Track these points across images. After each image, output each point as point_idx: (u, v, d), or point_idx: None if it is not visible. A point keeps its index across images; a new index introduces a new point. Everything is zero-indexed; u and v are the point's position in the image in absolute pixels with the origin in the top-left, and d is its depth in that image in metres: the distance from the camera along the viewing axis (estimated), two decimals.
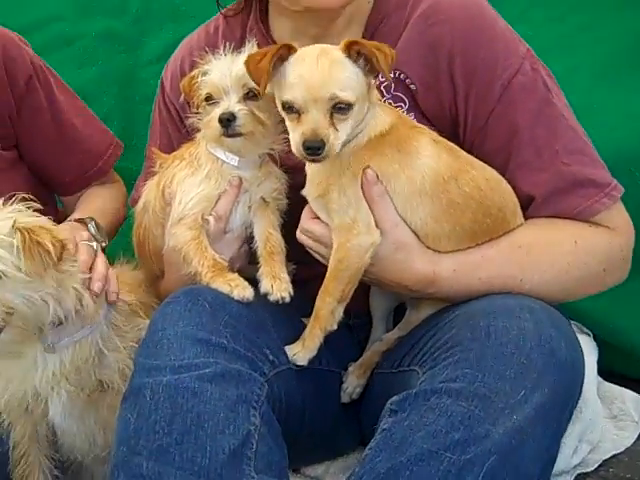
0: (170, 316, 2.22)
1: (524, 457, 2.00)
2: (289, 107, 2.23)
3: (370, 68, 2.25)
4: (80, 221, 2.74)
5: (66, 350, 2.39)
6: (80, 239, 2.49)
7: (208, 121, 2.46)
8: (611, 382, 3.11)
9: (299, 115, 2.21)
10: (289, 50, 2.26)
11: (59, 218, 2.95)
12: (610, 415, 2.99)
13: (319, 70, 2.21)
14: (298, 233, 2.41)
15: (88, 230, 2.69)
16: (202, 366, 2.12)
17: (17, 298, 2.21)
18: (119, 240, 3.06)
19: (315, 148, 2.17)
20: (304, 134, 2.19)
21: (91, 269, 2.44)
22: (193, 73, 2.51)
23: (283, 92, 2.25)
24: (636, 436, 2.93)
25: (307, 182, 2.38)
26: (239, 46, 2.65)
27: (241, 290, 2.33)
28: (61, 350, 2.38)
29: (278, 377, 2.30)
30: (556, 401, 2.08)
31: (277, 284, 2.37)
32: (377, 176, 2.29)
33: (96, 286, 2.39)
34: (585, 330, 3.12)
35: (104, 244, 2.71)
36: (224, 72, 2.43)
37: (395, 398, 2.11)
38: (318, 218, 2.38)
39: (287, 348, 2.36)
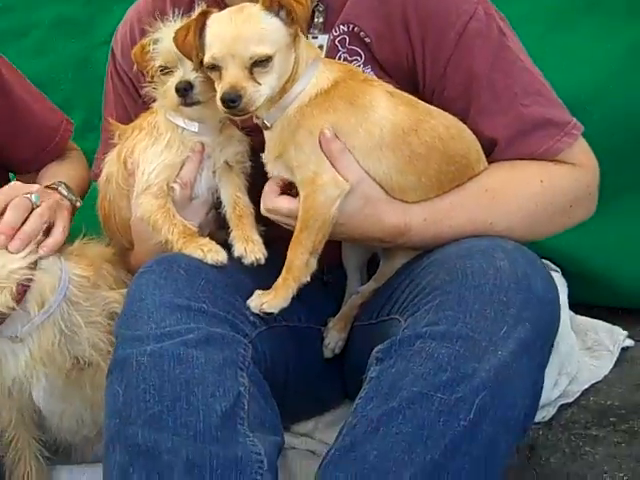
0: (146, 286, 2.11)
1: (512, 391, 1.93)
2: (211, 67, 2.15)
3: (292, 19, 2.15)
4: (49, 187, 2.58)
5: (30, 337, 2.27)
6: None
7: (164, 91, 2.34)
8: (581, 314, 3.08)
9: (220, 73, 2.13)
10: (206, 16, 2.18)
11: None
12: (585, 347, 2.97)
13: (233, 26, 2.12)
14: (263, 211, 2.28)
15: (59, 192, 2.56)
16: (184, 332, 2.02)
17: None
18: (83, 214, 2.92)
19: (231, 101, 2.08)
20: (222, 88, 2.10)
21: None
22: (144, 42, 2.37)
23: (206, 56, 2.16)
24: (612, 365, 2.90)
25: (265, 148, 2.28)
26: (188, 10, 2.51)
27: (214, 254, 2.22)
28: (26, 338, 2.26)
29: (260, 338, 2.20)
30: (537, 335, 2.00)
31: (250, 247, 2.26)
32: (334, 133, 2.18)
33: (44, 249, 2.28)
34: (553, 267, 3.06)
35: (79, 203, 2.60)
36: None
37: (380, 346, 2.03)
38: (282, 193, 2.26)
39: (256, 294, 2.22)
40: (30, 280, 2.21)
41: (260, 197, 2.33)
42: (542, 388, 2.08)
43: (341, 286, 2.59)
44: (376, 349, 2.03)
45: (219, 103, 2.11)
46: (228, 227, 2.37)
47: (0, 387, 2.31)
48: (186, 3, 2.56)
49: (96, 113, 3.59)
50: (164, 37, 2.31)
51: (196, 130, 2.36)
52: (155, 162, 2.35)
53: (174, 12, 2.48)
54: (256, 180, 2.40)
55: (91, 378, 2.38)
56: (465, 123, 2.31)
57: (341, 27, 2.41)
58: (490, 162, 2.34)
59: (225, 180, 2.41)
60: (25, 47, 3.61)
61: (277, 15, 2.14)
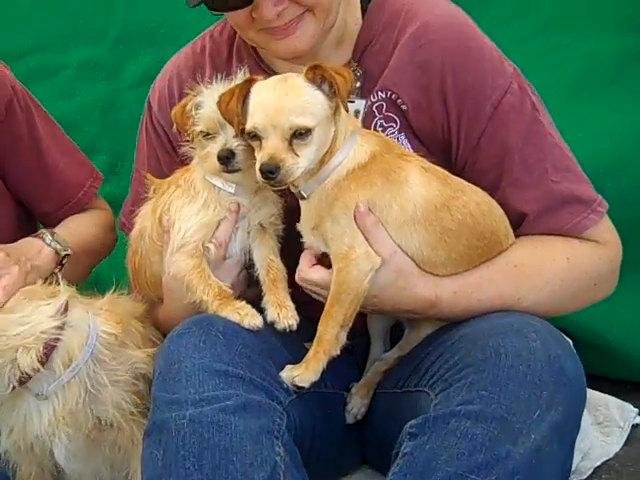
0: (185, 348, 2.12)
1: (544, 474, 1.95)
2: (253, 135, 2.17)
3: (334, 92, 2.17)
4: (37, 235, 2.60)
5: (56, 395, 2.25)
6: None
7: (205, 155, 2.35)
8: (590, 386, 3.07)
9: (261, 142, 2.15)
10: (251, 84, 2.21)
11: None
12: (596, 422, 2.96)
13: (276, 97, 2.15)
14: (298, 280, 2.30)
15: (42, 239, 2.57)
16: (223, 398, 2.03)
17: None
18: (112, 264, 2.93)
19: (269, 172, 2.10)
20: (262, 159, 2.12)
21: None
22: (185, 103, 2.39)
23: (247, 122, 2.18)
24: (622, 441, 2.89)
25: (301, 218, 2.30)
26: (226, 66, 2.59)
27: (251, 319, 2.23)
28: (51, 396, 2.24)
29: (292, 405, 2.20)
30: (568, 418, 2.03)
31: (283, 312, 2.27)
32: (369, 208, 2.20)
33: None
34: (566, 337, 3.06)
35: (66, 252, 2.59)
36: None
37: (413, 422, 2.03)
38: (315, 263, 2.29)
39: (287, 368, 2.23)
40: (57, 340, 2.20)
41: (291, 259, 2.36)
42: (570, 468, 2.11)
43: (364, 351, 2.59)
44: (409, 424, 2.03)
45: (258, 173, 2.13)
46: (258, 285, 2.38)
47: (22, 442, 2.30)
48: (224, 59, 2.61)
49: (119, 157, 3.66)
50: (206, 102, 2.33)
51: (233, 191, 2.38)
52: (192, 221, 2.36)
53: (213, 68, 2.56)
54: (288, 242, 2.42)
55: (113, 438, 2.36)
56: (495, 195, 2.34)
57: (379, 93, 2.44)
58: (517, 235, 2.37)
59: (259, 241, 2.42)
60: (53, 87, 3.61)
61: (319, 87, 2.17)
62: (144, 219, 2.52)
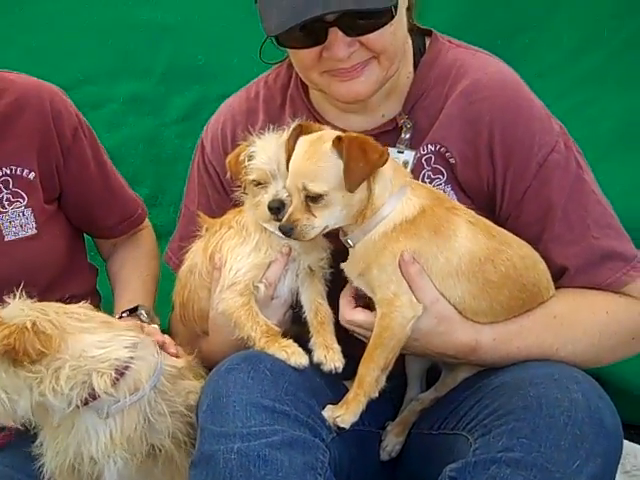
0: (233, 383, 2.19)
1: None
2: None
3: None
4: (132, 313, 2.75)
5: (114, 419, 2.31)
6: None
7: (257, 203, 2.44)
8: None
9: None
10: (300, 134, 2.35)
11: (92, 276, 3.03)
12: (623, 470, 2.99)
13: (299, 159, 2.29)
14: (342, 321, 2.39)
15: (141, 320, 2.71)
16: (269, 433, 2.10)
17: None
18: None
19: (284, 231, 2.28)
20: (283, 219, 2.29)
21: None
22: (238, 153, 2.48)
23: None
24: None
25: (348, 262, 2.38)
26: (279, 112, 2.68)
27: (297, 357, 2.31)
28: (111, 418, 2.31)
29: (333, 442, 2.27)
30: (606, 469, 2.08)
31: (330, 354, 2.35)
32: (413, 257, 2.29)
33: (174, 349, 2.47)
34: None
35: (157, 325, 2.72)
36: (270, 157, 2.40)
37: (454, 465, 2.09)
38: (357, 305, 2.39)
39: (328, 409, 2.31)
40: (127, 367, 2.28)
41: (337, 301, 2.43)
42: None
43: (400, 391, 2.66)
44: (449, 467, 2.10)
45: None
46: (302, 323, 2.46)
47: (71, 463, 2.35)
48: (278, 105, 2.70)
49: (160, 189, 3.76)
50: (258, 152, 2.42)
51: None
52: (244, 261, 2.45)
53: (266, 114, 2.66)
54: (335, 284, 2.50)
55: (162, 467, 2.42)
56: (536, 248, 2.42)
57: (429, 146, 2.53)
58: (558, 287, 2.44)
59: (307, 284, 2.50)
60: (99, 120, 3.68)
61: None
62: (195, 256, 2.61)
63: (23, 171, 2.78)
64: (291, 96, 2.70)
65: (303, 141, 2.32)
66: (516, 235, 2.41)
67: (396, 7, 2.36)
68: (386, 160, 2.27)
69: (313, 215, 2.26)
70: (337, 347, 2.38)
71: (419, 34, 2.64)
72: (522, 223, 2.47)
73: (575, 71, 3.48)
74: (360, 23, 2.35)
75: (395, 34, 2.42)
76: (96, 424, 2.30)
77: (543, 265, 2.41)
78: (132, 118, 3.80)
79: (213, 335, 2.56)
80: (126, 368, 2.28)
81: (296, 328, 2.52)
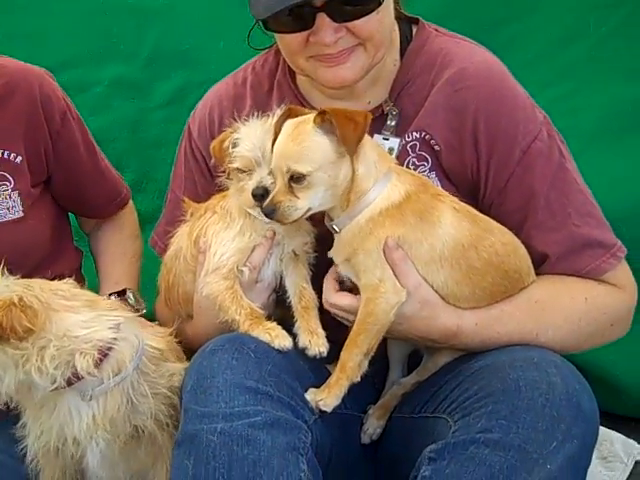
0: (218, 364, 2.23)
1: None
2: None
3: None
4: (120, 296, 2.81)
5: (98, 400, 2.34)
6: None
7: (240, 188, 2.47)
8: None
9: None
10: (288, 117, 2.38)
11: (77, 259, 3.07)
12: (600, 456, 3.05)
13: (283, 142, 2.32)
14: (326, 304, 2.43)
15: (127, 302, 2.78)
16: (252, 414, 2.14)
17: None
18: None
19: (266, 213, 2.31)
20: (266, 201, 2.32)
21: None
22: (222, 139, 2.52)
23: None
24: (625, 477, 2.99)
25: (334, 248, 2.42)
26: (266, 98, 2.72)
27: (281, 340, 2.34)
28: (95, 400, 2.33)
29: (315, 424, 2.31)
30: (583, 451, 2.13)
31: (314, 339, 2.39)
32: (397, 243, 2.33)
33: None
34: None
35: (144, 310, 2.79)
36: (254, 144, 2.43)
37: (433, 446, 2.14)
38: (340, 288, 2.42)
39: (311, 392, 2.35)
40: (110, 349, 2.31)
41: (317, 285, 2.47)
42: None
43: (382, 375, 2.70)
44: (429, 449, 2.14)
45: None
46: (286, 307, 2.51)
47: (54, 444, 2.38)
48: (265, 91, 2.73)
49: (145, 175, 3.78)
50: (243, 139, 2.45)
51: (268, 220, 2.46)
52: (228, 245, 2.48)
53: (253, 100, 2.69)
54: (319, 269, 2.53)
55: (145, 448, 2.46)
56: (518, 235, 2.47)
57: (414, 133, 2.57)
58: (538, 274, 2.49)
59: (291, 269, 2.53)
60: (84, 103, 3.69)
61: (329, 132, 2.29)
62: (180, 240, 2.64)
63: (10, 155, 2.80)
64: (278, 82, 2.73)
65: (288, 124, 2.35)
66: (499, 222, 2.46)
67: None
68: (369, 120, 2.30)
69: (296, 197, 2.29)
70: (321, 332, 2.41)
71: (406, 22, 2.68)
72: (505, 210, 2.51)
73: (560, 61, 3.50)
74: (347, 9, 2.39)
75: (382, 21, 2.46)
76: (79, 405, 2.32)
77: (524, 251, 2.46)
78: (117, 102, 3.83)
79: (198, 318, 2.59)
80: (109, 349, 2.30)
81: (280, 311, 2.56)
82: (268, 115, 2.50)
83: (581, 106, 3.44)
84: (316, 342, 2.38)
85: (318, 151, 2.29)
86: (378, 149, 2.42)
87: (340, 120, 2.26)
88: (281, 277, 2.55)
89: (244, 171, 2.44)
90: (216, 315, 2.45)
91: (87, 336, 2.27)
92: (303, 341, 2.39)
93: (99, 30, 3.81)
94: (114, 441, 2.37)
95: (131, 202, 3.25)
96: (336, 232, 2.38)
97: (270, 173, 2.40)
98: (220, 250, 2.48)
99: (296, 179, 2.28)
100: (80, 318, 2.28)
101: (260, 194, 2.38)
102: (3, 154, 2.79)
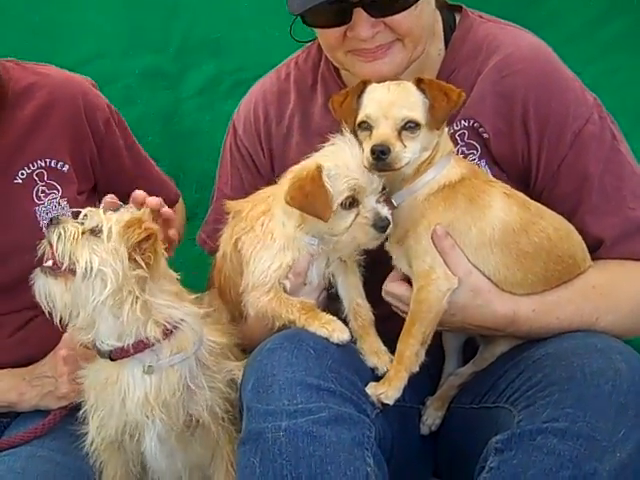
0: (278, 362, 2.32)
1: None
2: (364, 126, 2.43)
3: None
4: None
5: (152, 378, 2.48)
6: None
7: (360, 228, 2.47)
8: None
9: (371, 132, 2.41)
10: (365, 85, 2.47)
11: None
12: None
13: (390, 93, 2.43)
14: (383, 293, 2.53)
15: None
16: (316, 410, 2.23)
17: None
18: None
19: (381, 152, 2.35)
20: (373, 142, 2.37)
21: None
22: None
23: (359, 115, 2.45)
24: None
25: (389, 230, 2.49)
26: (310, 92, 2.82)
27: (339, 333, 2.42)
28: (151, 377, 2.48)
29: (377, 418, 2.39)
30: None
31: (381, 358, 2.49)
32: (446, 231, 2.42)
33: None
34: None
35: None
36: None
37: (499, 437, 2.22)
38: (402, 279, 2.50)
39: (371, 386, 2.43)
40: (176, 328, 2.48)
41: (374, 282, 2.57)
42: None
43: (438, 366, 2.79)
44: (495, 439, 2.22)
45: (367, 157, 2.36)
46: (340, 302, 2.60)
47: (115, 429, 2.52)
48: (309, 86, 2.83)
49: (179, 167, 3.85)
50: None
51: (315, 245, 2.55)
52: (267, 264, 2.53)
53: (298, 94, 2.81)
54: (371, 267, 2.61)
55: (200, 439, 2.58)
56: (572, 220, 2.54)
57: (462, 122, 2.65)
58: (594, 259, 2.56)
59: (343, 277, 2.60)
60: (114, 95, 3.75)
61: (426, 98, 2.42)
62: (225, 244, 2.71)
63: (57, 163, 2.93)
64: (322, 76, 2.83)
65: (380, 84, 2.47)
66: (551, 208, 2.54)
67: None
68: (462, 99, 2.43)
69: (404, 144, 2.38)
70: (384, 349, 2.51)
71: (449, 10, 2.76)
72: (558, 195, 2.59)
73: (603, 36, 3.58)
74: (384, 4, 2.48)
75: (420, 16, 2.54)
76: (136, 379, 2.47)
77: (578, 236, 2.53)
78: (148, 93, 3.90)
79: (252, 326, 2.65)
80: (175, 328, 2.47)
81: (333, 304, 2.63)
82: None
83: (627, 81, 3.50)
84: (383, 361, 2.48)
85: (422, 107, 2.42)
86: (445, 129, 2.51)
87: (434, 92, 2.40)
88: (331, 276, 2.61)
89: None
90: (270, 324, 2.53)
91: (163, 309, 2.45)
92: (371, 362, 2.49)
93: (128, 21, 3.87)
94: (171, 428, 2.50)
95: (179, 205, 3.32)
96: (394, 207, 2.46)
97: (350, 131, 2.45)
98: (259, 267, 2.54)
99: (409, 127, 2.38)
100: (166, 295, 2.48)
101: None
102: (50, 163, 2.93)
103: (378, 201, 2.44)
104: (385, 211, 2.43)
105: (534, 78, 2.58)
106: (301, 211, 2.44)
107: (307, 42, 2.87)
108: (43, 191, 2.91)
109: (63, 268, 2.41)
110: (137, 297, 2.40)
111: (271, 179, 2.72)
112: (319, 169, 2.41)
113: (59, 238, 2.40)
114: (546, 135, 2.58)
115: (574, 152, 2.57)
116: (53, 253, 2.42)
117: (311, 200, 2.40)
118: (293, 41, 2.79)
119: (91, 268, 2.37)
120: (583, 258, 2.54)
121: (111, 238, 2.39)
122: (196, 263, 3.16)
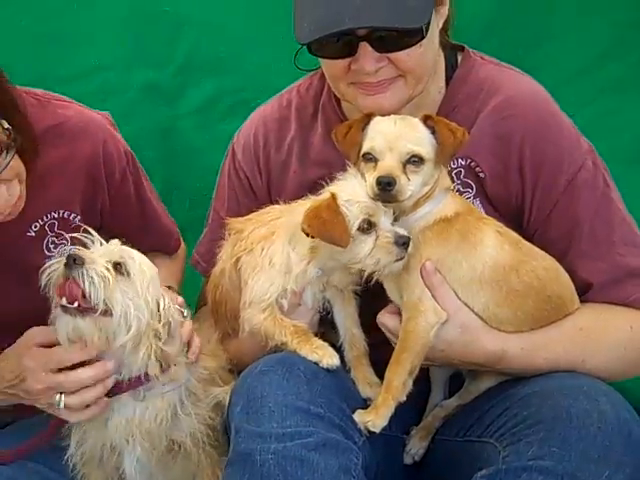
0: (269, 385, 2.38)
1: None
2: (368, 157, 2.50)
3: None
4: (170, 288, 2.86)
5: (138, 404, 2.53)
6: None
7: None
8: None
9: (375, 163, 2.48)
10: (370, 118, 2.55)
11: None
12: None
13: (397, 126, 2.51)
14: (377, 322, 2.61)
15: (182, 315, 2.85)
16: (305, 434, 2.29)
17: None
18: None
19: (387, 184, 2.42)
20: (378, 173, 2.45)
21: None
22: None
23: (364, 147, 2.52)
24: None
25: None
26: (311, 121, 2.88)
27: (329, 359, 2.49)
28: (145, 402, 2.52)
29: (364, 445, 2.45)
30: (635, 478, 2.26)
31: (374, 389, 2.57)
32: (435, 268, 2.49)
33: (193, 356, 2.60)
34: None
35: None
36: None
37: (484, 472, 2.28)
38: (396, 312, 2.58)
39: (358, 413, 2.49)
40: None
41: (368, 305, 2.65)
42: None
43: (424, 397, 2.86)
44: (480, 474, 2.29)
45: (372, 187, 2.44)
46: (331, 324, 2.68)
47: (96, 448, 2.57)
48: (310, 115, 2.90)
49: (174, 185, 3.89)
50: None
51: (319, 274, 2.63)
52: (266, 285, 2.60)
53: (298, 122, 2.87)
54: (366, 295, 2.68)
55: (181, 462, 2.63)
56: (562, 263, 2.62)
57: (459, 160, 2.72)
58: (583, 302, 2.64)
59: (339, 305, 2.69)
60: (114, 108, 3.77)
61: (432, 133, 2.51)
62: (224, 261, 2.76)
63: (70, 215, 2.90)
64: (323, 106, 2.89)
65: (386, 118, 2.54)
66: (543, 249, 2.61)
67: (427, 28, 2.55)
68: (466, 138, 2.51)
69: (407, 177, 2.46)
70: (376, 380, 2.59)
71: (451, 49, 2.83)
72: (549, 238, 2.67)
73: (598, 79, 3.65)
74: (389, 40, 2.54)
75: (424, 54, 2.61)
76: (121, 402, 2.52)
77: (567, 278, 2.61)
78: (147, 108, 3.92)
79: (244, 343, 2.71)
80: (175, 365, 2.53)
81: (325, 328, 2.70)
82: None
83: (620, 125, 3.57)
84: (375, 392, 2.55)
85: (428, 143, 2.50)
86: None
87: (442, 129, 2.49)
88: (324, 301, 2.68)
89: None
90: (262, 342, 2.59)
91: (172, 357, 2.52)
92: (364, 393, 2.59)
93: (130, 35, 3.90)
94: (151, 452, 2.55)
95: (181, 250, 3.32)
96: None
97: (353, 163, 2.53)
98: (257, 287, 2.61)
99: (414, 162, 2.46)
100: (177, 341, 2.57)
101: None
102: (63, 214, 2.89)
103: (392, 223, 2.51)
104: (402, 230, 2.49)
105: (532, 123, 2.67)
106: (320, 239, 2.50)
107: (310, 71, 2.94)
108: (53, 242, 2.90)
109: (99, 312, 2.40)
110: (152, 344, 2.46)
111: (267, 204, 2.78)
112: (334, 197, 2.48)
113: (91, 282, 2.37)
114: (540, 180, 2.66)
115: (567, 198, 2.65)
116: (72, 291, 2.39)
117: (329, 227, 2.45)
118: (294, 65, 2.83)
119: (126, 313, 2.40)
120: (571, 300, 2.62)
121: (143, 285, 2.45)
122: (185, 282, 3.24)
